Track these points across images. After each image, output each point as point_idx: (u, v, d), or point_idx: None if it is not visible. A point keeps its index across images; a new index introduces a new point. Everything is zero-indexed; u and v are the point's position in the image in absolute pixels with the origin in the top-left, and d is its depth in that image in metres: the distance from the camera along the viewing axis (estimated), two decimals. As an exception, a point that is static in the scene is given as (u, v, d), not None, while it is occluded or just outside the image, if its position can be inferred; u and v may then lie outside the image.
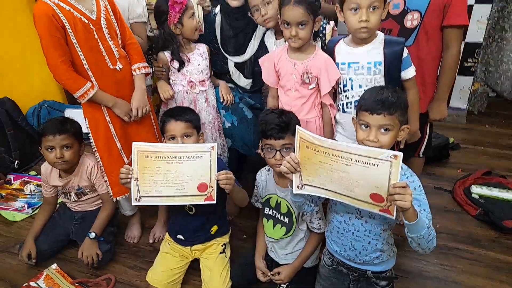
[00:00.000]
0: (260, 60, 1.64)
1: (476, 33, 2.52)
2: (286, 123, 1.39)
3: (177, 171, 1.32)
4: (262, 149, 1.47)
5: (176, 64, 1.75)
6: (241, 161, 2.05)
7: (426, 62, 1.58)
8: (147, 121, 1.74)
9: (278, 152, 1.40)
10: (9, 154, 2.41)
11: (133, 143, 1.30)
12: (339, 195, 1.15)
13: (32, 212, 2.07)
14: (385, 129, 1.15)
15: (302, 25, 1.43)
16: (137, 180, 1.32)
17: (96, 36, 1.50)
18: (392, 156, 1.01)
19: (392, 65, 1.38)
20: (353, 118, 1.27)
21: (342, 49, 1.45)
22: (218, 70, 1.99)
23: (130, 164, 1.34)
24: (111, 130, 1.64)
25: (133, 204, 1.33)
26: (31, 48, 2.62)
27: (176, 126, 1.48)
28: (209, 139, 1.86)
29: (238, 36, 1.86)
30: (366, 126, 1.17)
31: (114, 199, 1.73)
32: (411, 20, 1.54)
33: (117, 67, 1.56)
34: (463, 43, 2.56)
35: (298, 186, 1.22)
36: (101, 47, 1.51)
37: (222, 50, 1.92)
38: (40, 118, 2.73)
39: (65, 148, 1.64)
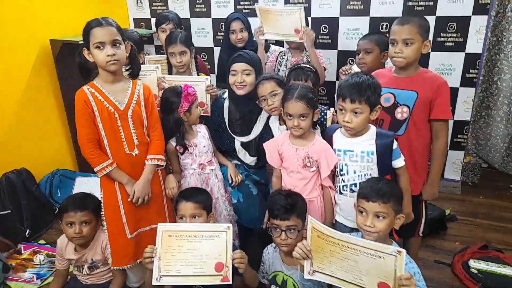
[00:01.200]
0: (265, 144, 1.81)
1: (463, 112, 2.73)
2: (292, 205, 1.53)
3: (197, 250, 1.43)
4: (269, 228, 1.57)
5: (181, 148, 1.90)
6: (246, 234, 2.14)
7: (417, 149, 1.74)
8: (159, 201, 1.84)
9: (283, 232, 1.51)
10: (21, 223, 2.50)
11: (158, 224, 1.45)
12: (347, 283, 1.26)
13: (41, 283, 2.11)
14: (381, 216, 1.28)
15: (303, 117, 1.62)
16: (160, 259, 1.41)
17: (119, 124, 1.68)
18: (396, 252, 1.16)
19: (384, 155, 1.54)
20: (354, 204, 1.41)
21: (339, 138, 1.63)
22: (225, 148, 2.15)
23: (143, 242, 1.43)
24: (120, 204, 1.76)
25: (153, 283, 1.40)
26: (46, 118, 2.83)
27: (185, 207, 1.60)
28: (223, 211, 1.98)
29: (245, 118, 2.05)
30: (364, 212, 1.30)
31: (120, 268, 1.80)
32: (401, 113, 1.73)
33: (133, 153, 1.72)
34: (451, 122, 2.76)
35: (309, 272, 1.34)
36: (122, 134, 1.69)
37: (229, 130, 2.10)
38: (52, 186, 2.85)
39: (84, 224, 1.75)
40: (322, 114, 1.95)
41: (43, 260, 2.31)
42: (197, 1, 3.23)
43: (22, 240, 2.48)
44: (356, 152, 1.56)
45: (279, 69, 2.56)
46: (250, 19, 2.67)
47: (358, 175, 1.56)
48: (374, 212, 1.31)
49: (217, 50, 3.31)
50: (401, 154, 1.57)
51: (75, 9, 2.98)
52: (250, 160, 2.11)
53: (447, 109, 1.69)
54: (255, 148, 2.07)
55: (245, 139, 2.07)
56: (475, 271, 2.07)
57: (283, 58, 2.55)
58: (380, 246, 1.19)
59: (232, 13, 2.69)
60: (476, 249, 2.24)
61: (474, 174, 3.11)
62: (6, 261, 2.20)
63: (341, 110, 1.54)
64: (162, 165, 1.80)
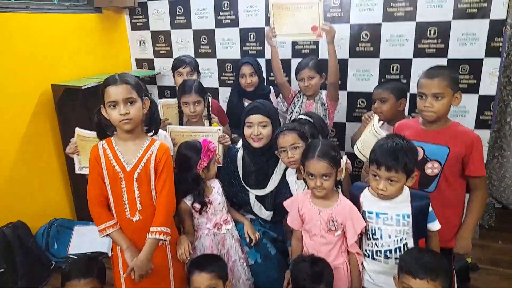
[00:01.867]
0: (285, 203, 1.69)
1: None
2: (320, 275, 1.40)
3: None
4: None
5: (197, 207, 1.77)
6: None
7: (449, 205, 1.65)
8: (163, 274, 1.66)
9: None
10: (15, 283, 2.32)
11: None
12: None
13: None
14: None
15: (326, 176, 1.51)
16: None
17: (123, 186, 1.57)
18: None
19: (419, 217, 1.43)
20: (394, 277, 1.29)
21: (369, 198, 1.52)
22: (239, 202, 2.03)
23: None
24: (120, 271, 1.64)
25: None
26: (45, 166, 2.70)
27: (201, 278, 1.47)
28: (242, 275, 1.84)
29: (260, 170, 1.94)
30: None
31: None
32: (431, 169, 1.64)
33: (134, 219, 1.58)
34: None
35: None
36: (125, 197, 1.57)
37: (243, 183, 1.98)
38: (49, 238, 2.68)
39: None
40: None
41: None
42: (202, 42, 3.19)
43: (16, 300, 2.30)
44: (391, 215, 1.45)
45: (292, 110, 2.49)
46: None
47: (394, 240, 1.45)
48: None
49: (222, 91, 3.25)
50: (436, 218, 1.47)
51: (77, 52, 2.91)
52: (266, 215, 1.99)
53: (481, 166, 1.61)
54: (272, 202, 1.96)
55: (260, 192, 1.96)
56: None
57: (298, 100, 2.47)
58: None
59: (244, 56, 2.63)
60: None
61: (490, 216, 3.00)
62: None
63: (375, 176, 1.44)
64: (165, 240, 1.58)
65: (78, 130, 1.78)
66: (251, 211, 2.01)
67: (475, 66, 2.51)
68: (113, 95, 1.47)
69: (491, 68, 2.49)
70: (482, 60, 2.49)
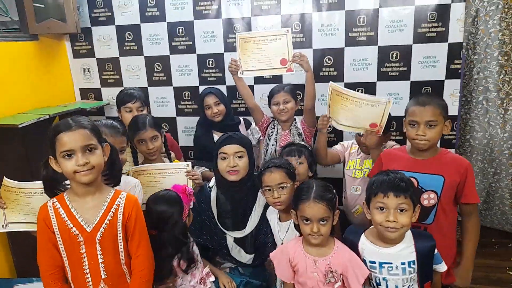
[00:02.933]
0: (271, 255, 1.52)
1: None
2: None
3: None
4: None
5: (184, 265, 1.55)
6: None
7: (447, 236, 1.60)
8: None
9: None
10: None
11: None
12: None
13: None
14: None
15: (323, 221, 1.37)
16: None
17: (83, 251, 1.31)
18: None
19: (425, 260, 1.33)
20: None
21: (368, 247, 1.39)
22: (215, 247, 1.82)
23: None
24: None
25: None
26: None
27: None
28: None
29: (237, 209, 1.78)
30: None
31: None
32: (427, 199, 1.57)
33: None
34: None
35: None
36: (85, 264, 1.32)
37: (219, 225, 1.78)
38: (-16, 306, 2.25)
39: None
40: None
41: None
42: (156, 69, 2.95)
43: None
44: (395, 265, 1.33)
45: (268, 144, 2.34)
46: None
47: None
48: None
49: (180, 120, 3.02)
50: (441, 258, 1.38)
51: (11, 85, 2.53)
52: (246, 258, 1.80)
53: (475, 193, 1.59)
54: (252, 244, 1.78)
55: (239, 234, 1.77)
56: None
57: (272, 132, 2.33)
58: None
59: (204, 86, 2.44)
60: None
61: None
62: None
63: (382, 209, 1.32)
64: None
65: (5, 180, 1.53)
66: (229, 255, 1.80)
67: (437, 87, 2.56)
68: (69, 143, 1.24)
69: (452, 89, 2.54)
70: (443, 81, 2.54)
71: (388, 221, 1.29)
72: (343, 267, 1.37)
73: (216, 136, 2.33)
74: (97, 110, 3.10)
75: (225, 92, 2.83)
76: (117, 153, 1.46)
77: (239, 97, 2.76)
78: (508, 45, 2.52)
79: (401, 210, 1.30)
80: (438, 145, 2.53)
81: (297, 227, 1.47)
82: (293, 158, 1.85)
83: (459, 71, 2.50)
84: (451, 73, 2.51)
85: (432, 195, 1.57)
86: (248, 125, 2.48)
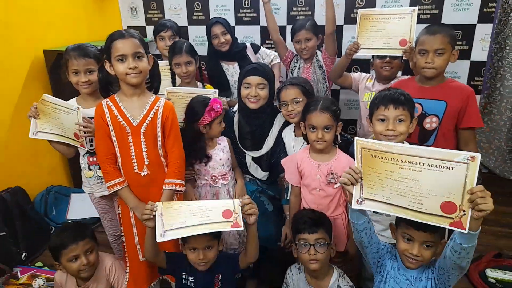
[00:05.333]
0: (282, 162, 1.74)
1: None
2: (319, 217, 1.49)
3: (201, 203, 1.38)
4: (296, 245, 1.50)
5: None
6: (262, 253, 2.05)
7: None
8: None
9: (312, 247, 1.45)
10: (16, 246, 2.35)
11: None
12: (404, 209, 1.11)
13: (42, 311, 1.98)
14: (428, 245, 1.23)
15: (327, 129, 1.55)
16: (162, 215, 1.31)
17: (130, 141, 1.59)
18: (469, 158, 0.99)
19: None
20: (390, 224, 1.35)
21: None
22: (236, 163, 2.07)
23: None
24: (133, 224, 1.69)
25: (157, 240, 1.30)
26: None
27: (198, 238, 1.48)
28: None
29: (256, 132, 1.97)
30: (409, 239, 1.24)
31: None
32: (430, 123, 1.70)
33: (142, 173, 1.61)
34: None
35: (357, 201, 1.19)
36: (132, 151, 1.60)
37: (240, 145, 2.01)
38: (47, 204, 2.70)
39: (88, 253, 1.63)
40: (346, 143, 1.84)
41: (42, 285, 2.17)
42: (196, 9, 3.14)
43: (18, 263, 2.33)
44: None
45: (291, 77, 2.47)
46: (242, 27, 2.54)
47: None
48: (422, 240, 1.22)
49: (216, 59, 3.22)
50: None
51: (68, 19, 2.85)
52: (262, 175, 2.03)
53: (478, 117, 1.68)
54: (267, 162, 1.99)
55: (256, 154, 1.99)
56: (493, 281, 2.05)
57: (295, 66, 2.46)
58: (450, 153, 1.02)
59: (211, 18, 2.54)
60: (490, 257, 2.23)
61: (477, 181, 3.11)
62: (2, 287, 2.06)
63: (383, 120, 1.46)
64: (181, 191, 1.65)
65: (44, 95, 1.71)
66: (247, 172, 2.05)
67: (468, 32, 2.56)
68: (122, 49, 1.46)
69: (483, 34, 2.53)
70: (474, 26, 2.53)
71: (388, 129, 1.44)
72: (342, 170, 1.54)
73: (225, 66, 2.50)
74: (143, 47, 3.39)
75: (259, 32, 3.01)
76: (157, 66, 1.71)
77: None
78: (548, -12, 2.44)
79: (400, 121, 1.44)
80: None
81: (305, 137, 1.67)
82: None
83: (493, 15, 2.47)
84: (483, 17, 2.49)
85: (434, 118, 1.69)
86: (256, 49, 2.57)
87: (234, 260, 1.51)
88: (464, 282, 2.11)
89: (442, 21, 2.58)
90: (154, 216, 1.30)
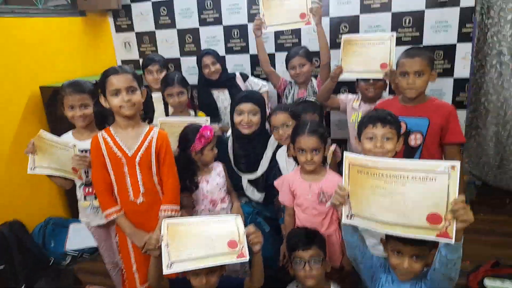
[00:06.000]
0: (275, 183, 1.80)
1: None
2: (312, 234, 1.54)
3: (207, 232, 1.36)
4: (291, 263, 1.54)
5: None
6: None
7: None
8: None
9: (306, 263, 1.48)
10: (15, 280, 2.35)
11: (165, 220, 1.40)
12: (390, 226, 1.13)
13: None
14: (417, 258, 1.26)
15: (316, 151, 1.62)
16: (168, 246, 1.33)
17: (126, 170, 1.65)
18: (450, 168, 1.03)
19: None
20: (381, 239, 1.38)
21: None
22: (232, 186, 2.11)
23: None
24: (130, 251, 1.73)
25: (164, 272, 1.31)
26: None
27: None
28: None
29: (250, 156, 2.04)
30: (399, 253, 1.27)
31: None
32: (414, 140, 1.77)
33: (138, 201, 1.66)
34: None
35: (347, 216, 1.23)
36: (128, 180, 1.65)
37: (235, 169, 2.07)
38: (45, 236, 2.71)
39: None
40: None
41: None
42: (187, 41, 3.27)
43: (16, 298, 2.32)
44: None
45: (286, 102, 2.56)
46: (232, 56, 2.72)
47: None
48: (410, 254, 1.26)
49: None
50: None
51: (64, 55, 2.96)
52: (258, 197, 2.08)
53: (460, 133, 1.76)
54: (263, 184, 2.05)
55: (252, 176, 2.05)
56: (492, 291, 2.07)
57: (290, 91, 2.55)
58: (431, 164, 1.06)
59: (204, 51, 2.65)
60: (488, 267, 2.24)
61: (471, 192, 3.16)
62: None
63: (371, 139, 1.52)
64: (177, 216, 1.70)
65: (41, 132, 1.78)
66: (244, 194, 2.10)
67: (449, 51, 2.67)
68: (116, 83, 1.55)
69: (464, 53, 2.65)
70: (455, 45, 2.65)
71: (376, 147, 1.49)
72: (332, 189, 1.59)
73: (216, 93, 2.62)
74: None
75: (249, 60, 3.12)
76: (150, 97, 1.79)
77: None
78: (521, 7, 2.57)
79: (387, 139, 1.50)
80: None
81: (295, 158, 1.73)
82: (308, 114, 2.05)
83: (471, 35, 2.60)
84: (462, 37, 2.61)
85: (418, 135, 1.76)
86: (245, 78, 2.71)
87: (239, 286, 1.53)
88: (463, 294, 2.12)
89: (424, 43, 2.70)
90: (160, 246, 1.34)
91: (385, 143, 1.50)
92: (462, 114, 2.76)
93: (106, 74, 1.58)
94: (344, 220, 1.25)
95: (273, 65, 2.99)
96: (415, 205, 1.09)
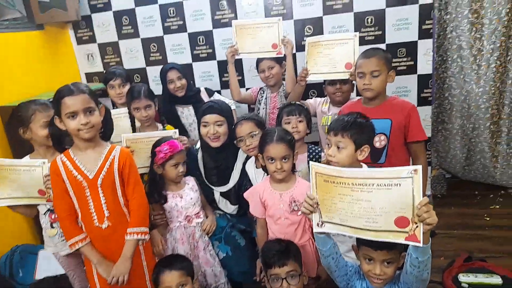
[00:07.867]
0: (245, 195, 1.76)
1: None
2: (287, 248, 1.50)
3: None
4: (268, 281, 1.50)
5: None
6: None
7: None
8: (139, 273, 1.68)
9: (284, 280, 1.45)
10: (-19, 315, 2.22)
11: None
12: (360, 230, 1.14)
13: None
14: (388, 262, 1.26)
15: (285, 159, 1.59)
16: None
17: (88, 194, 1.57)
18: (412, 172, 1.05)
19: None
20: (352, 246, 1.37)
21: None
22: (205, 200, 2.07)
23: None
24: (96, 283, 1.65)
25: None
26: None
27: (171, 277, 1.48)
28: (208, 269, 1.89)
29: (220, 168, 2.00)
30: (370, 259, 1.27)
31: None
32: (379, 141, 1.78)
33: (103, 226, 1.58)
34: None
35: (318, 224, 1.23)
36: (91, 205, 1.57)
37: (207, 182, 2.02)
38: (13, 266, 2.58)
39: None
40: (315, 155, 1.92)
41: None
42: (152, 50, 3.19)
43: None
44: None
45: (258, 108, 2.53)
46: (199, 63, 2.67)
47: None
48: (382, 259, 1.27)
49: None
50: None
51: (23, 72, 2.82)
52: (231, 209, 2.04)
53: (421, 130, 1.77)
54: (236, 196, 2.01)
55: (224, 188, 2.01)
56: (466, 286, 2.10)
57: (262, 96, 2.52)
58: (395, 171, 1.07)
59: (165, 64, 2.60)
60: (461, 262, 2.28)
61: (441, 186, 3.23)
62: None
63: (328, 145, 1.51)
64: (145, 239, 1.62)
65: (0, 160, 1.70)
66: (217, 207, 2.06)
67: (411, 48, 2.71)
68: (72, 106, 1.46)
69: (425, 49, 2.69)
70: (416, 42, 2.69)
71: (329, 155, 1.47)
72: (303, 197, 1.58)
73: (180, 109, 2.55)
74: (102, 92, 3.38)
75: (216, 67, 3.08)
76: (109, 114, 1.71)
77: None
78: (476, 2, 2.64)
79: (338, 148, 1.45)
80: (415, 102, 2.80)
81: (264, 168, 1.70)
82: (294, 117, 1.97)
83: (431, 31, 2.65)
84: (423, 33, 2.65)
85: (382, 137, 1.77)
86: (210, 93, 2.64)
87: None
88: (439, 290, 2.16)
89: (386, 41, 2.73)
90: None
91: (337, 152, 1.46)
92: (427, 110, 2.81)
93: (60, 95, 1.48)
94: (316, 228, 1.24)
95: (241, 71, 2.96)
96: (383, 210, 1.10)
